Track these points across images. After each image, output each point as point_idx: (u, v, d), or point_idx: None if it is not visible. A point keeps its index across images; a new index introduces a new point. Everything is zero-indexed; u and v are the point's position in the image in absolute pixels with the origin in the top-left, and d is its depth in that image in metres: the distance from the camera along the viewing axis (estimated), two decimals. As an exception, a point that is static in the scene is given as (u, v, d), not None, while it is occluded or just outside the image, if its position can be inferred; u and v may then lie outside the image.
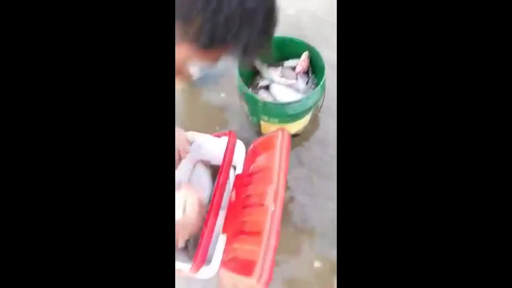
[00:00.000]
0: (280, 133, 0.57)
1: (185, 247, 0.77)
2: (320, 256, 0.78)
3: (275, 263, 0.46)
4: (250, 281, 0.45)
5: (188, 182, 0.85)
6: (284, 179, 0.52)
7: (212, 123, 0.97)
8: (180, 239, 0.57)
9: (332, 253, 0.78)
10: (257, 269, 0.45)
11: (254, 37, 0.32)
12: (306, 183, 0.89)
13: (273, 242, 0.47)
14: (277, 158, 0.54)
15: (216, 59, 0.39)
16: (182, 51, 0.34)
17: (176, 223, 0.53)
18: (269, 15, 0.33)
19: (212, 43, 0.32)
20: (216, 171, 0.86)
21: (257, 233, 0.50)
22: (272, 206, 0.49)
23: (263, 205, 0.53)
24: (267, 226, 0.48)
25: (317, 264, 0.77)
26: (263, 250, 0.46)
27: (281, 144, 0.55)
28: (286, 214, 0.84)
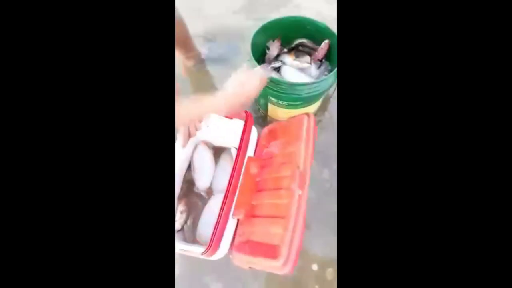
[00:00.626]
0: (306, 118, 0.55)
1: (181, 229, 0.75)
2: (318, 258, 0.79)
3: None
4: (275, 263, 0.45)
5: (190, 162, 0.81)
6: (310, 165, 0.51)
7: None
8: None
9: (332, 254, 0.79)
10: (283, 253, 0.44)
11: None
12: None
13: (300, 226, 0.46)
14: (304, 144, 0.53)
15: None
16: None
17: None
18: None
19: None
20: (217, 153, 0.83)
21: (280, 217, 0.49)
22: (299, 190, 0.48)
23: (281, 189, 0.52)
24: (293, 209, 0.47)
25: (315, 267, 0.78)
26: (290, 234, 0.45)
27: (307, 129, 0.54)
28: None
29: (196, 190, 0.80)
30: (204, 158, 0.80)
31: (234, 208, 0.60)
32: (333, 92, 0.87)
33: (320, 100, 0.85)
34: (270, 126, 0.67)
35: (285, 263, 0.44)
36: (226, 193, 0.54)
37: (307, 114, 0.56)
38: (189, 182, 0.81)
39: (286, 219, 0.47)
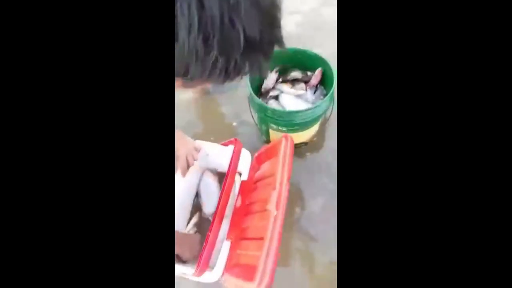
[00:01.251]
0: (283, 140, 0.59)
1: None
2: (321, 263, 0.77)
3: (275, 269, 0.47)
4: (252, 286, 0.46)
5: (198, 189, 0.87)
6: (287, 185, 0.53)
7: (223, 133, 1.00)
8: None
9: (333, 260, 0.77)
10: (258, 274, 0.46)
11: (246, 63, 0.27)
12: (314, 190, 0.89)
13: (274, 246, 0.47)
14: (280, 164, 0.55)
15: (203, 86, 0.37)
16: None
17: None
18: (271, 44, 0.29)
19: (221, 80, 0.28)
20: (223, 178, 0.89)
21: (260, 238, 0.51)
22: (275, 211, 0.50)
23: (266, 210, 0.54)
24: (269, 230, 0.48)
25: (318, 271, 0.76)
26: (264, 255, 0.47)
27: (284, 151, 0.57)
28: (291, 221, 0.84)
29: (203, 216, 0.84)
30: (209, 185, 0.86)
31: (228, 231, 0.63)
32: (329, 115, 0.89)
33: (318, 123, 0.87)
34: (260, 149, 0.70)
35: (259, 284, 0.45)
36: (214, 215, 0.58)
37: (285, 136, 0.59)
38: (197, 207, 0.86)
39: (262, 240, 0.48)
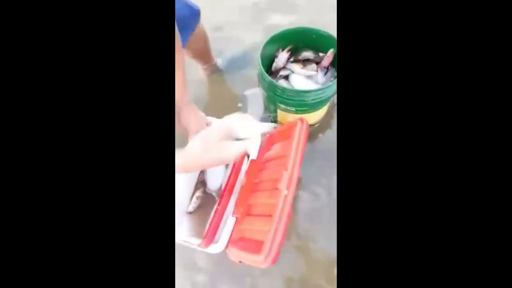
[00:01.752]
0: (299, 123, 0.59)
1: (193, 212, 0.81)
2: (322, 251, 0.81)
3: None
4: (257, 258, 0.48)
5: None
6: (299, 167, 0.54)
7: (230, 111, 1.00)
8: None
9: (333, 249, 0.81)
10: (266, 248, 0.48)
11: None
12: (319, 175, 0.91)
13: (283, 224, 0.49)
14: (294, 147, 0.56)
15: None
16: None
17: None
18: None
19: None
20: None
21: (269, 215, 0.53)
22: (286, 191, 0.51)
23: (272, 189, 0.55)
24: (279, 208, 0.50)
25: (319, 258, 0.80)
26: (273, 231, 0.49)
27: (299, 134, 0.57)
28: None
29: (208, 191, 0.86)
30: (216, 167, 0.87)
31: (234, 207, 0.65)
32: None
33: (327, 105, 0.87)
34: (272, 131, 0.71)
35: (266, 258, 0.48)
36: (222, 191, 0.60)
37: (301, 119, 0.60)
38: (202, 183, 0.88)
39: (272, 217, 0.50)
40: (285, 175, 0.53)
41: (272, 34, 0.82)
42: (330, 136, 0.97)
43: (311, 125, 0.95)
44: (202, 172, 0.88)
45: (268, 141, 0.70)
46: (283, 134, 0.64)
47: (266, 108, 0.94)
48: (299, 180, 0.90)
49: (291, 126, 0.60)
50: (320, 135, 0.97)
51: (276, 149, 0.67)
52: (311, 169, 0.92)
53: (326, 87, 0.76)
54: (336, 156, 0.93)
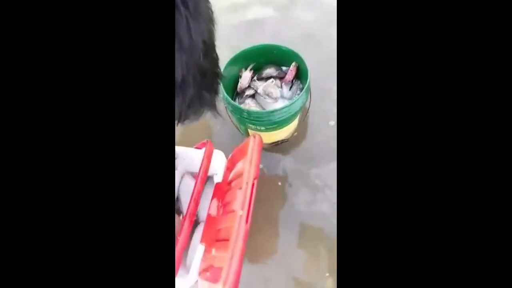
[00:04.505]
0: (251, 139, 0.59)
1: None
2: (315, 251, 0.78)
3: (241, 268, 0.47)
4: (216, 287, 0.46)
5: (178, 193, 0.88)
6: (253, 184, 0.53)
7: (201, 135, 1.01)
8: None
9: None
10: (223, 275, 0.46)
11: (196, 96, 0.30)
12: (299, 189, 0.90)
13: (239, 246, 0.48)
14: (247, 163, 0.56)
15: None
16: None
17: None
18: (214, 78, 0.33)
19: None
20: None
21: (228, 239, 0.51)
22: (240, 211, 0.50)
23: (233, 211, 0.54)
24: (234, 231, 0.49)
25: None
26: (229, 256, 0.47)
27: (252, 151, 0.57)
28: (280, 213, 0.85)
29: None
30: (188, 186, 0.86)
31: (202, 234, 0.63)
32: (308, 108, 0.90)
33: (297, 118, 0.88)
34: (234, 150, 0.71)
35: (224, 285, 0.45)
36: (183, 219, 0.59)
37: (253, 135, 0.60)
38: (177, 212, 0.87)
39: (229, 241, 0.49)
40: (239, 194, 0.52)
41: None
42: (307, 145, 0.97)
43: (284, 140, 0.95)
44: (177, 201, 0.88)
45: (231, 160, 0.70)
46: (241, 152, 0.64)
47: (237, 128, 0.95)
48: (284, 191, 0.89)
49: (246, 143, 0.60)
50: (295, 147, 0.97)
51: (238, 167, 0.67)
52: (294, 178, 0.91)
53: (291, 104, 0.77)
54: (316, 163, 0.93)
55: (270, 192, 0.90)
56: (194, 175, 0.89)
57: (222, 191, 0.67)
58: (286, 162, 0.94)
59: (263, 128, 0.84)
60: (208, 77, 0.30)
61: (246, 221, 0.50)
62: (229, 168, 0.71)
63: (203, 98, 0.31)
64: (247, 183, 0.53)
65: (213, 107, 0.34)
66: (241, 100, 0.90)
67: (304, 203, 0.88)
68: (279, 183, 0.91)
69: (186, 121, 0.32)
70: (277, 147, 0.96)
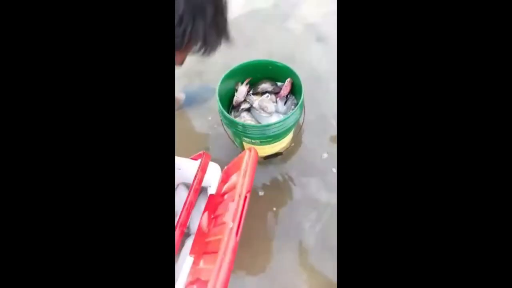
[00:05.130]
0: (247, 153, 0.60)
1: None
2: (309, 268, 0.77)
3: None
4: (203, 301, 0.46)
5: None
6: (245, 197, 0.54)
7: (198, 147, 1.02)
8: None
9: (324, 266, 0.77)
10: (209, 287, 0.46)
11: (208, 30, 0.37)
12: (288, 200, 0.90)
13: (228, 259, 0.48)
14: (241, 176, 0.56)
15: (181, 61, 0.43)
16: None
17: None
18: (218, 8, 0.39)
19: (181, 48, 0.37)
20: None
21: (216, 252, 0.51)
22: (231, 223, 0.51)
23: (224, 223, 0.55)
24: (224, 243, 0.49)
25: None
26: (217, 267, 0.47)
27: (246, 164, 0.58)
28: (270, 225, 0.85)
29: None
30: (183, 199, 0.87)
31: (191, 246, 0.63)
32: (302, 123, 0.92)
33: (291, 132, 0.89)
34: (230, 163, 0.72)
35: (210, 299, 0.45)
36: (175, 227, 0.59)
37: (249, 149, 0.61)
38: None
39: (218, 253, 0.49)
40: (232, 206, 0.53)
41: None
42: (303, 156, 0.98)
43: (278, 153, 0.96)
44: None
45: (226, 173, 0.71)
46: (236, 165, 0.65)
47: (232, 141, 0.96)
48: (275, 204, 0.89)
49: (241, 156, 0.61)
50: (287, 160, 0.98)
51: (232, 180, 0.68)
52: (283, 193, 0.92)
53: (286, 118, 0.79)
54: (303, 181, 0.94)
55: (259, 206, 0.91)
56: (189, 186, 0.89)
57: (214, 203, 0.68)
58: (277, 175, 0.95)
59: (258, 141, 0.86)
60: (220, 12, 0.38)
61: (237, 234, 0.50)
62: (223, 180, 0.71)
63: (218, 27, 0.39)
64: (239, 195, 0.54)
65: (227, 34, 0.41)
66: (236, 114, 0.91)
67: (295, 218, 0.88)
68: (265, 195, 0.92)
69: (210, 52, 0.40)
70: (271, 160, 0.97)
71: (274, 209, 0.90)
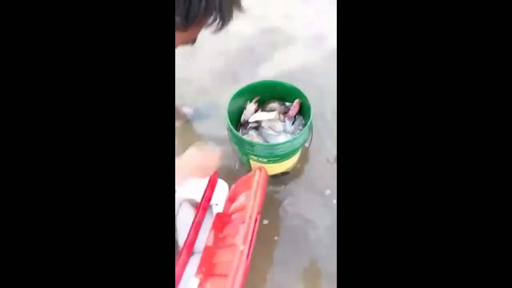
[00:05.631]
0: (257, 172, 0.61)
1: None
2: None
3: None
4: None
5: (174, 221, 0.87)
6: (256, 219, 0.54)
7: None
8: None
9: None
10: (220, 313, 0.45)
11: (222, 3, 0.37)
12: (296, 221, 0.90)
13: (238, 283, 0.48)
14: (252, 197, 0.57)
15: (194, 38, 0.44)
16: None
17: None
18: None
19: (187, 22, 0.37)
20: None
21: (225, 275, 0.51)
22: (242, 246, 0.51)
23: (234, 245, 0.54)
24: (234, 266, 0.49)
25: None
26: (228, 293, 0.47)
27: (256, 183, 0.58)
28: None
29: (180, 249, 0.84)
30: (187, 217, 0.86)
31: (197, 267, 0.63)
32: (309, 145, 0.93)
33: (299, 152, 0.90)
34: (237, 181, 0.72)
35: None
36: (181, 249, 0.58)
37: (259, 168, 0.62)
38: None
39: (228, 276, 0.49)
40: (242, 228, 0.53)
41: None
42: (304, 180, 0.98)
43: (285, 172, 0.97)
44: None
45: (233, 192, 0.71)
46: (246, 184, 0.66)
47: (239, 158, 0.97)
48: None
49: (250, 176, 0.62)
50: (295, 180, 0.99)
51: (240, 199, 0.68)
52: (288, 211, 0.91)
53: (294, 139, 0.79)
54: (310, 201, 0.93)
55: (265, 226, 0.90)
56: (194, 204, 0.89)
57: (222, 222, 0.67)
58: (284, 195, 0.95)
59: (265, 160, 0.86)
60: None
61: (247, 257, 0.50)
62: (230, 199, 0.71)
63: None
64: (250, 217, 0.54)
65: (239, 2, 0.41)
66: (244, 131, 0.92)
67: (300, 238, 0.88)
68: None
69: (224, 24, 0.40)
70: (278, 179, 0.98)
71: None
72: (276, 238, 0.88)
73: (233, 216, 0.67)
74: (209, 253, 0.63)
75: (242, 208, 0.63)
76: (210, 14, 0.38)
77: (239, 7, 0.41)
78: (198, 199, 0.89)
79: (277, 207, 0.94)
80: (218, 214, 0.69)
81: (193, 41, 0.44)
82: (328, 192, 0.95)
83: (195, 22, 0.37)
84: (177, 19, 0.36)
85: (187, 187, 0.83)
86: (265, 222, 0.91)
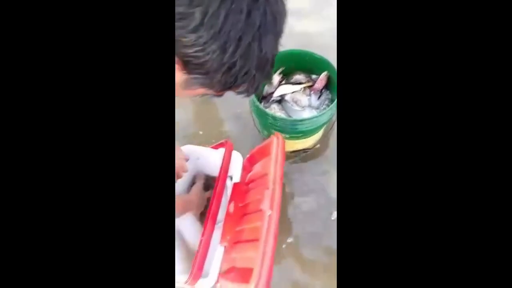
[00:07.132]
0: (275, 139, 0.61)
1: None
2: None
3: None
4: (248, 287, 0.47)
5: (187, 193, 0.87)
6: (280, 184, 0.54)
7: (221, 136, 1.02)
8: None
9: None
10: (255, 275, 0.46)
11: (257, 75, 0.36)
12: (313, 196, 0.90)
13: (270, 246, 0.48)
14: (273, 163, 0.57)
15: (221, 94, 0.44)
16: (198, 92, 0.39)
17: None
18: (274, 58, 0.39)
19: (225, 89, 0.37)
20: (214, 183, 0.89)
21: (255, 240, 0.52)
22: (269, 211, 0.51)
23: (256, 211, 0.55)
24: (264, 230, 0.49)
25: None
26: (261, 256, 0.47)
27: (276, 150, 0.59)
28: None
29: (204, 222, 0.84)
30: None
31: (221, 236, 0.64)
32: (333, 123, 0.91)
33: (322, 130, 0.89)
34: (251, 150, 0.72)
35: (256, 286, 0.46)
36: (205, 220, 0.59)
37: (276, 135, 0.62)
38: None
39: (258, 241, 0.49)
40: (267, 194, 0.53)
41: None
42: (329, 155, 0.98)
43: (306, 149, 0.96)
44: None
45: (249, 161, 0.72)
46: (262, 152, 0.66)
47: (259, 131, 0.96)
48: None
49: (268, 144, 0.62)
50: (312, 159, 0.98)
51: (257, 168, 0.68)
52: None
53: (320, 115, 0.77)
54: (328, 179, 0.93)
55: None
56: (208, 177, 0.88)
57: (240, 191, 0.68)
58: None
59: (287, 135, 0.85)
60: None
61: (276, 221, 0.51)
62: (246, 168, 0.71)
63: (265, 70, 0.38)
64: (274, 182, 0.54)
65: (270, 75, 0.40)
66: (266, 105, 0.91)
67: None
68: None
69: (252, 93, 0.40)
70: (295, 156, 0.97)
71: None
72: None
73: (252, 185, 0.67)
74: (231, 221, 0.64)
75: (262, 176, 0.63)
76: (240, 87, 0.38)
77: (268, 76, 0.40)
78: (210, 172, 0.88)
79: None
80: (235, 184, 0.69)
81: (221, 94, 0.45)
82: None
83: (229, 89, 0.38)
84: (216, 86, 0.36)
85: (203, 160, 0.82)
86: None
